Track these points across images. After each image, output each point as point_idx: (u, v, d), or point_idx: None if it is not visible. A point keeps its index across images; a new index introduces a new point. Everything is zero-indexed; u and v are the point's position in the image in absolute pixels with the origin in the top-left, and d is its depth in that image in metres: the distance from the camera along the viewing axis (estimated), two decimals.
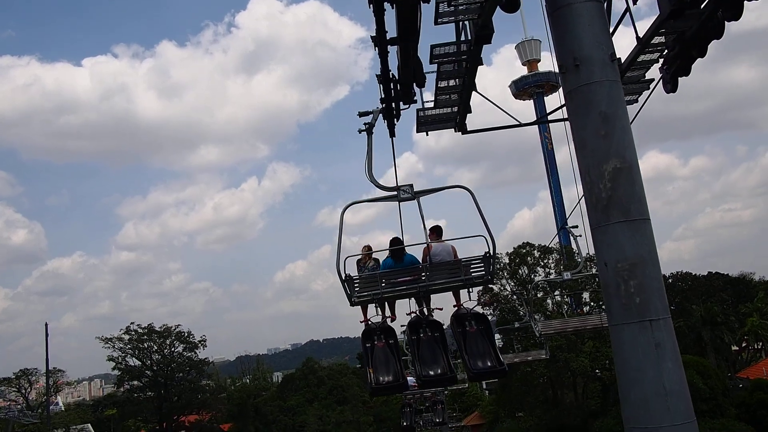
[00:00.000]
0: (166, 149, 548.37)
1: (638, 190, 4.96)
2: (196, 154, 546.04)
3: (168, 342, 56.35)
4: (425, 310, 8.97)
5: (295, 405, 53.14)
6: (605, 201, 4.86)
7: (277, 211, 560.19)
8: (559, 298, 36.01)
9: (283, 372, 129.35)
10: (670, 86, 7.30)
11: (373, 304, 8.10)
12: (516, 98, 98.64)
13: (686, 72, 7.09)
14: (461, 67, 6.72)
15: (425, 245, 8.14)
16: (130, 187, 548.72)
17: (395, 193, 7.42)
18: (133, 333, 55.23)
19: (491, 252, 7.38)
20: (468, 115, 8.04)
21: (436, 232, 8.60)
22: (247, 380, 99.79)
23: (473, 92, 7.35)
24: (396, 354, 8.33)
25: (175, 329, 56.53)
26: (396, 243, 8.52)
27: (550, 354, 17.63)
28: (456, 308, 8.77)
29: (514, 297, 36.13)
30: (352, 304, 7.75)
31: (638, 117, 7.82)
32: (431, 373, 7.99)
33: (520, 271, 35.45)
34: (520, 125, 7.87)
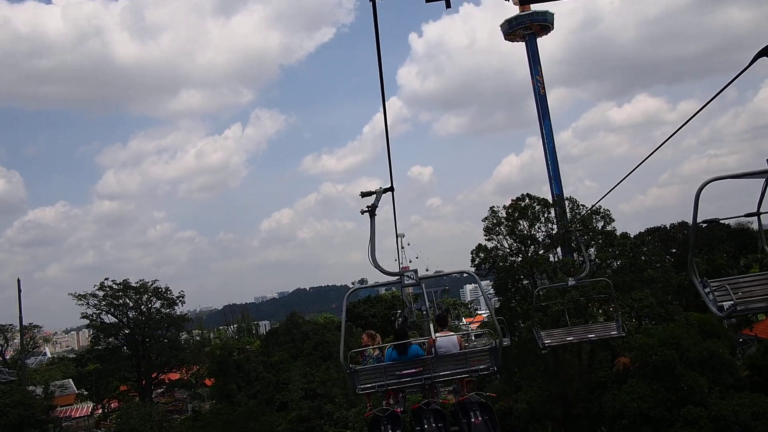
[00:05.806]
0: (145, 95, 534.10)
1: None
2: (176, 100, 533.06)
3: (145, 298, 53.88)
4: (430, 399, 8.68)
5: (279, 361, 51.22)
6: None
7: (261, 158, 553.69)
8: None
9: (270, 321, 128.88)
10: None
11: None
12: (507, 39, 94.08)
13: None
14: None
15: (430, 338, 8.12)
16: (110, 135, 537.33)
17: (398, 278, 7.48)
18: (107, 289, 52.58)
19: (498, 343, 7.51)
20: None
21: (440, 322, 8.86)
22: (233, 330, 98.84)
23: None
24: None
25: (151, 285, 53.97)
26: (401, 334, 8.64)
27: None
28: (462, 397, 8.63)
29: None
30: (356, 393, 7.88)
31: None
32: None
33: (519, 227, 32.29)
34: None
